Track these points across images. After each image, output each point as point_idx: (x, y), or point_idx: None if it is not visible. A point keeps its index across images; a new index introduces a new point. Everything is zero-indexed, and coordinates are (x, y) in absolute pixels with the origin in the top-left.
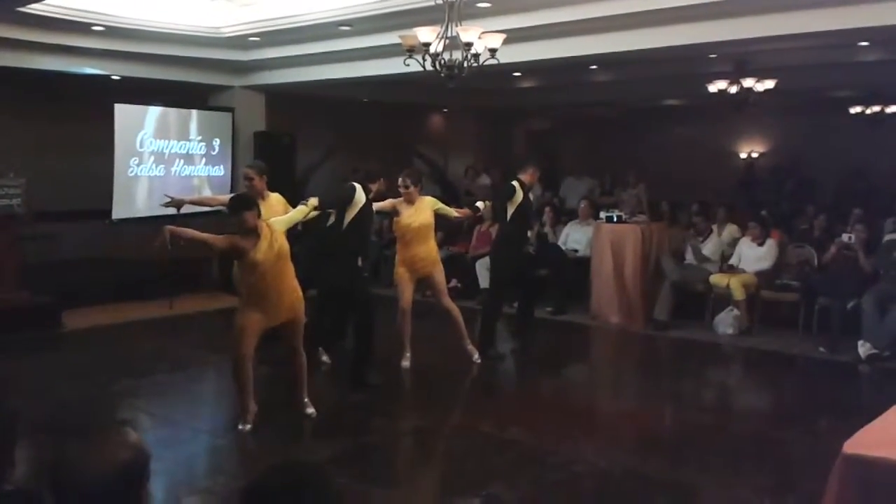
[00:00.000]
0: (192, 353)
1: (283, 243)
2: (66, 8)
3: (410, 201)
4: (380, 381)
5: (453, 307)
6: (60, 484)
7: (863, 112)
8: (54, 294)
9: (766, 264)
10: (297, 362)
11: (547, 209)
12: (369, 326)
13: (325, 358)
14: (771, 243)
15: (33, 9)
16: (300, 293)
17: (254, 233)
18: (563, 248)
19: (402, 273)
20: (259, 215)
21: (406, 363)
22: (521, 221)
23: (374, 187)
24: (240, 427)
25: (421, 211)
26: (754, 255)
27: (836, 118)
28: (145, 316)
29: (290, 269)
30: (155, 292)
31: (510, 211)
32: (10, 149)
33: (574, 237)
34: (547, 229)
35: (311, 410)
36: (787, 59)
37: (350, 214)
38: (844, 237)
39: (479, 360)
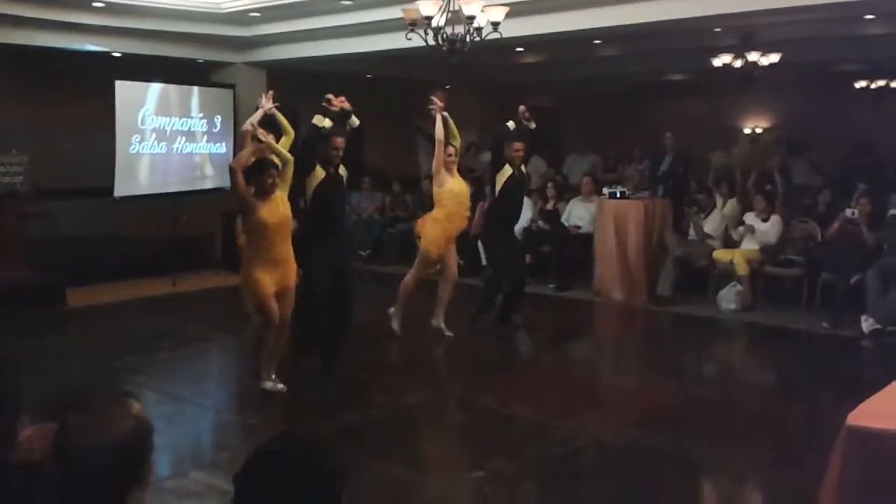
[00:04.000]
0: (196, 329)
1: (286, 209)
2: None
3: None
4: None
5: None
6: (64, 454)
7: (868, 86)
8: (58, 272)
9: (770, 239)
10: (282, 335)
11: (549, 185)
12: (346, 311)
13: None
14: (775, 218)
15: None
16: (294, 265)
17: (270, 194)
18: (567, 224)
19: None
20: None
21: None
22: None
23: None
24: (280, 386)
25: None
26: (759, 230)
27: (841, 92)
28: (149, 293)
29: (289, 236)
30: (158, 269)
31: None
32: (13, 127)
33: (577, 213)
34: (549, 205)
35: (281, 386)
36: (793, 33)
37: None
38: (848, 212)
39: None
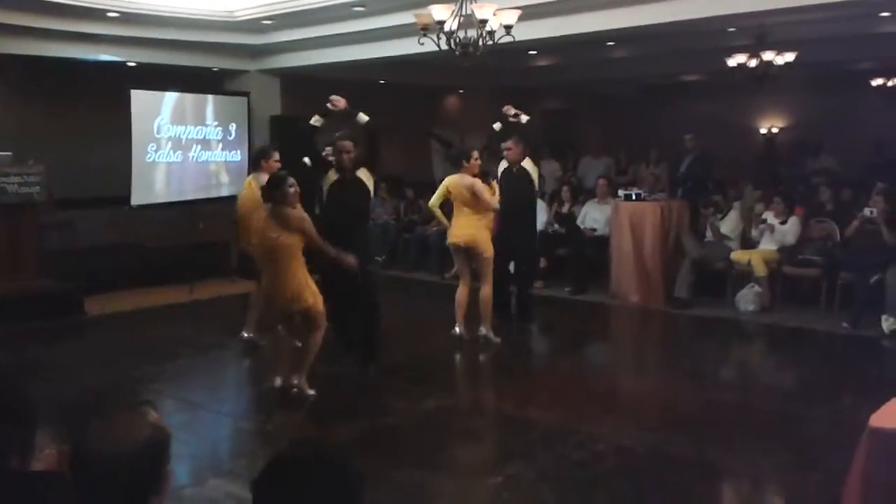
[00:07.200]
0: (213, 337)
1: (291, 239)
2: None
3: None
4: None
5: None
6: (80, 464)
7: (884, 84)
8: (75, 281)
9: (789, 240)
10: (307, 345)
11: (564, 188)
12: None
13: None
14: (794, 220)
15: None
16: (312, 286)
17: (281, 212)
18: (582, 227)
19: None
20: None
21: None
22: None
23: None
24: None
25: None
26: (777, 231)
27: (857, 91)
28: (166, 301)
29: (296, 261)
30: (175, 277)
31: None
32: (29, 137)
33: (592, 216)
34: (564, 208)
35: (311, 392)
36: (808, 32)
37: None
38: (867, 211)
39: (459, 336)
